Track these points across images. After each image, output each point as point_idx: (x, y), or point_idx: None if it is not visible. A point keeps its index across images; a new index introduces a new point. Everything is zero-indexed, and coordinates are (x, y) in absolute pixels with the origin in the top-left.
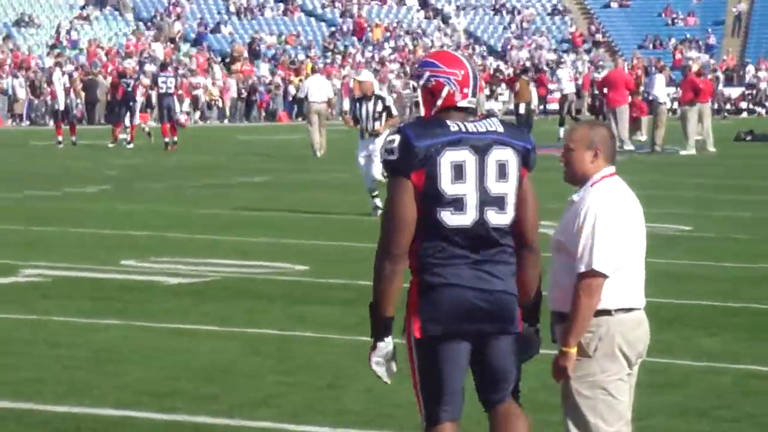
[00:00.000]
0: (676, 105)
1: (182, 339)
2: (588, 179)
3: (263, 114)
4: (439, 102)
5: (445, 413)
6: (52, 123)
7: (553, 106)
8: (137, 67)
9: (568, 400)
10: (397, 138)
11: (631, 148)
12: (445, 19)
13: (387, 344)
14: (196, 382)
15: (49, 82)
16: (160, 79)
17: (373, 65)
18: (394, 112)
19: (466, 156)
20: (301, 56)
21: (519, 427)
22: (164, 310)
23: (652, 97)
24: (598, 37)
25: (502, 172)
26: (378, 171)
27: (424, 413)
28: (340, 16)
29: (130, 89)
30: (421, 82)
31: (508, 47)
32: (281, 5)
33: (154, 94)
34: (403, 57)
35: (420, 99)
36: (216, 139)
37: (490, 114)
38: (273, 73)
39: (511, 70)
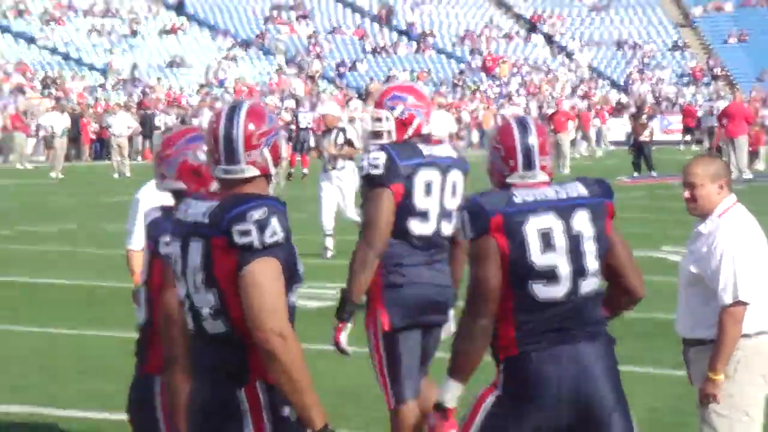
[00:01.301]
0: None
1: (323, 361)
2: (714, 210)
3: None
4: (411, 131)
5: (410, 391)
6: None
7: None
8: (279, 104)
9: (705, 422)
10: (382, 155)
11: (750, 177)
12: (570, 55)
13: (350, 325)
14: (335, 401)
15: (195, 116)
16: (300, 115)
17: (501, 100)
18: (357, 144)
19: (434, 176)
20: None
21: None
22: (305, 333)
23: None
24: (717, 71)
25: (454, 190)
26: (352, 211)
27: (392, 394)
28: (470, 54)
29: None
30: (396, 114)
31: (630, 81)
32: (414, 44)
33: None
34: (528, 92)
35: (393, 128)
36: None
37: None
38: None
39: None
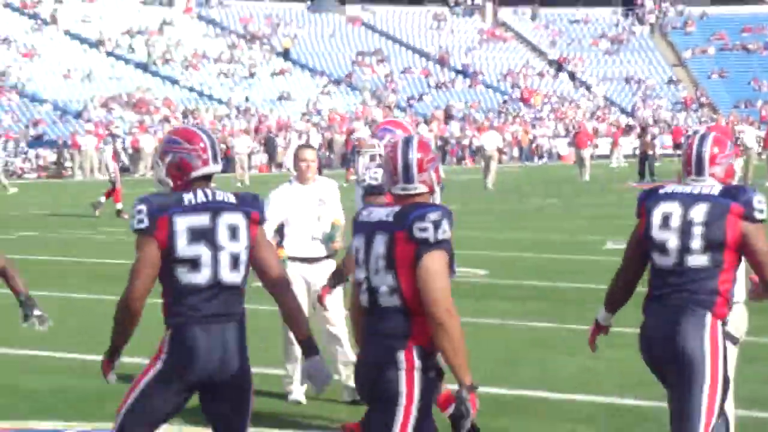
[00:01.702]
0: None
1: None
2: None
3: (454, 160)
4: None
5: None
6: None
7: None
8: (364, 127)
9: None
10: (381, 171)
11: None
12: (588, 88)
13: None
14: None
15: (300, 136)
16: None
17: (535, 123)
18: None
19: None
20: (479, 117)
21: None
22: None
23: (743, 144)
24: (703, 100)
25: None
26: None
27: None
28: (511, 87)
29: (356, 143)
30: (384, 142)
31: (635, 108)
32: (467, 80)
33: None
34: (557, 117)
35: (383, 151)
36: None
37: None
38: (462, 130)
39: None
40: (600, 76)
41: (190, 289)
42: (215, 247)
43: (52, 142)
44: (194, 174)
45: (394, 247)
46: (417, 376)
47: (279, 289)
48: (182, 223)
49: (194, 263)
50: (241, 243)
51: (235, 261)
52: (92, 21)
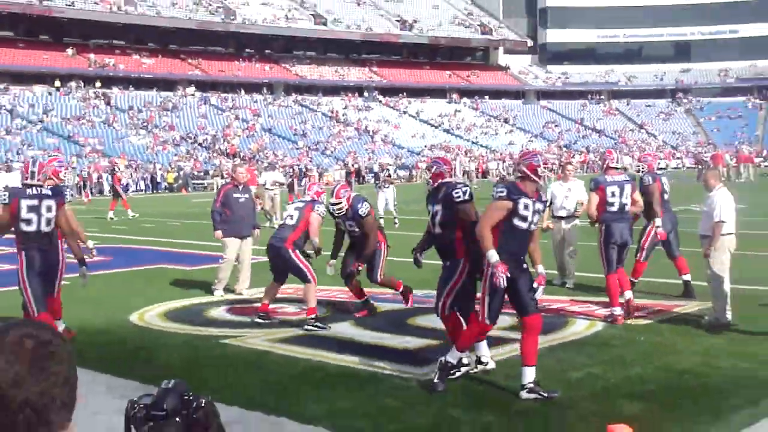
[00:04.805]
0: None
1: None
2: (713, 189)
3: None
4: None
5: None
6: None
7: None
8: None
9: (708, 265)
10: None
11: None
12: (655, 136)
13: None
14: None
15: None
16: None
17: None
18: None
19: None
20: None
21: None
22: None
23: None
24: (711, 142)
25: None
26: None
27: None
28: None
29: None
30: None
31: (678, 146)
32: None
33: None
34: (640, 150)
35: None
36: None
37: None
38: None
39: None
40: (660, 131)
41: None
42: None
43: (405, 167)
44: None
45: (631, 190)
46: None
47: None
48: None
49: None
50: None
51: None
52: (425, 112)
